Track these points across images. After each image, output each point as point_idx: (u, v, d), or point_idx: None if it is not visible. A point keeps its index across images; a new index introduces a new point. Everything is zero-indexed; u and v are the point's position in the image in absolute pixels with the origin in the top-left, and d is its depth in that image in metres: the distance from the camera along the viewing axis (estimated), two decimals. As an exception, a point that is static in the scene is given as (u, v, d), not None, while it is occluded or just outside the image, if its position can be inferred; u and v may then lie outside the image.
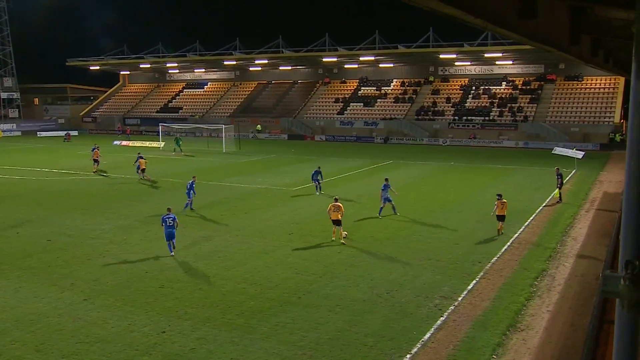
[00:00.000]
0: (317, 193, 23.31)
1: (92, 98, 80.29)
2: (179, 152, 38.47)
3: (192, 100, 68.32)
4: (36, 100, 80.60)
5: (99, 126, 69.40)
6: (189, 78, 72.52)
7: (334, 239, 16.83)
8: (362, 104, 59.11)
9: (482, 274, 13.45)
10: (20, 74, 72.81)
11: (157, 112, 67.42)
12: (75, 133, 63.03)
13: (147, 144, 46.41)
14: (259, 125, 58.98)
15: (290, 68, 64.87)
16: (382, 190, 19.87)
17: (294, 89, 65.26)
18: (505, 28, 5.70)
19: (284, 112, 61.33)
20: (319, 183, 23.47)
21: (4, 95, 71.43)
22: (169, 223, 15.17)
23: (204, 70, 69.84)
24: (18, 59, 71.87)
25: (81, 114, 72.99)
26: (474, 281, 12.87)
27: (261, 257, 15.04)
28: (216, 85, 70.08)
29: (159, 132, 49.82)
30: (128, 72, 75.31)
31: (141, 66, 68.06)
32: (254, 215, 19.96)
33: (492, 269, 13.80)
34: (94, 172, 29.87)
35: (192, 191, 20.99)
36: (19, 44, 72.08)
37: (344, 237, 16.59)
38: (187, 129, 53.81)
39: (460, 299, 11.84)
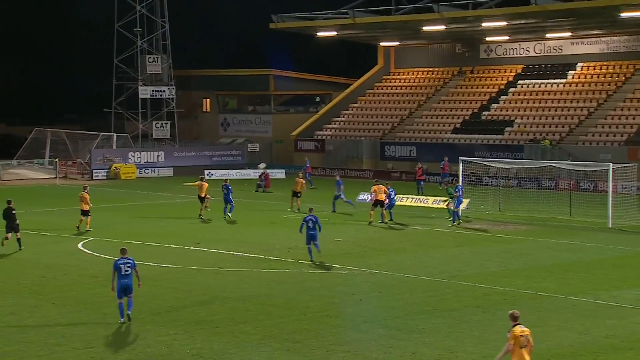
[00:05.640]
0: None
1: (318, 100, 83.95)
2: (456, 221, 40.06)
3: (535, 105, 67.99)
4: (205, 104, 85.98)
5: (330, 158, 70.58)
6: (530, 54, 71.86)
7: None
8: None
9: None
10: (177, 53, 76.89)
11: (454, 130, 67.91)
12: (279, 173, 64.59)
13: (427, 201, 47.27)
14: None
15: None
16: None
17: None
18: None
19: None
20: None
21: (144, 92, 74.14)
22: (311, 225, 27.56)
23: (569, 34, 68.24)
24: (175, 25, 76.34)
25: (293, 133, 74.76)
26: None
27: None
28: (598, 70, 68.34)
29: (453, 174, 50.29)
30: (396, 44, 76.77)
31: (425, 29, 67.12)
32: None
33: None
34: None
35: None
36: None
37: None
38: (520, 170, 53.13)
39: None
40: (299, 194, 41.35)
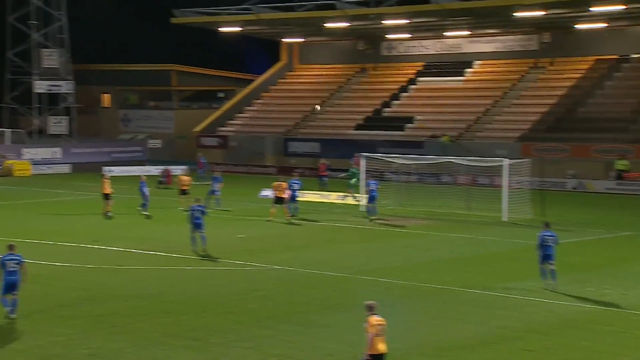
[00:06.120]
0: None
1: (222, 96, 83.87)
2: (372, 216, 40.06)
3: (435, 102, 68.80)
4: (105, 99, 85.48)
5: (233, 155, 70.12)
6: (430, 52, 73.03)
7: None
8: None
9: None
10: (76, 47, 75.48)
11: (356, 127, 68.20)
12: (180, 170, 62.72)
13: (329, 197, 48.67)
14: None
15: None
16: None
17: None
18: None
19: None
20: None
21: (40, 87, 72.93)
22: (197, 215, 28.24)
23: (468, 32, 69.62)
24: (73, 19, 75.05)
25: (196, 129, 74.11)
26: None
27: None
28: (494, 68, 69.93)
29: (354, 172, 49.29)
30: (301, 40, 77.08)
31: (327, 26, 68.07)
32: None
33: None
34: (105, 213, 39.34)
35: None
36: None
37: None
38: (420, 166, 52.91)
39: None
40: (186, 192, 41.50)
